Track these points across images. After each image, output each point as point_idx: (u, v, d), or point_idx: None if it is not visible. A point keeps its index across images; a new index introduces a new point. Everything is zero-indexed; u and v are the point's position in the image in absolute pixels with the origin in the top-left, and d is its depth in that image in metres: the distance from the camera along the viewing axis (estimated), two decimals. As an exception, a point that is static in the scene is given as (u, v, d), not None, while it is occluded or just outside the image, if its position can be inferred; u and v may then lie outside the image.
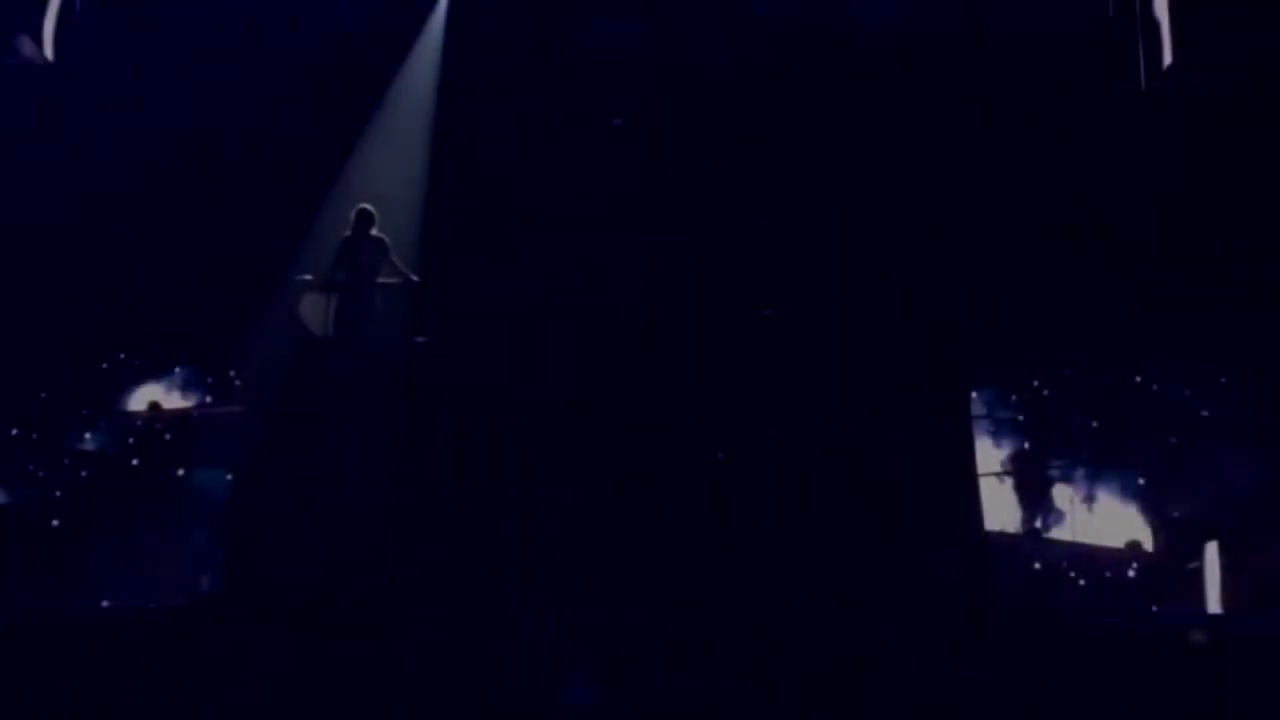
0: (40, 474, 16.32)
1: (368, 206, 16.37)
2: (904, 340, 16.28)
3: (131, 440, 16.70)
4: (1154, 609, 15.50)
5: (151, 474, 16.22)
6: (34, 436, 16.65)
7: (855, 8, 17.82)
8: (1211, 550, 15.46)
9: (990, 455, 17.10)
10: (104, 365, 17.14)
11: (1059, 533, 16.85)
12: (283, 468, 15.49)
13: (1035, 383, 17.38)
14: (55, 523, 15.63)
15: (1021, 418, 17.33)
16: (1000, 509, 16.89)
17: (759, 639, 13.61)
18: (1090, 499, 16.93)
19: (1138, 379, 17.14)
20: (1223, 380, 16.76)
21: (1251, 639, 13.48)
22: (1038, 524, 16.90)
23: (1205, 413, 16.80)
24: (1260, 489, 16.05)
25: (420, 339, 16.15)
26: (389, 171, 17.25)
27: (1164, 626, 14.35)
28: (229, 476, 15.99)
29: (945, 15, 17.81)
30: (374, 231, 16.31)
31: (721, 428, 16.10)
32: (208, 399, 17.10)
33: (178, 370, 17.26)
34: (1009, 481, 17.10)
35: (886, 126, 17.17)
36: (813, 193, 16.96)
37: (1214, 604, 15.38)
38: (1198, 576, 15.56)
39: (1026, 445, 17.27)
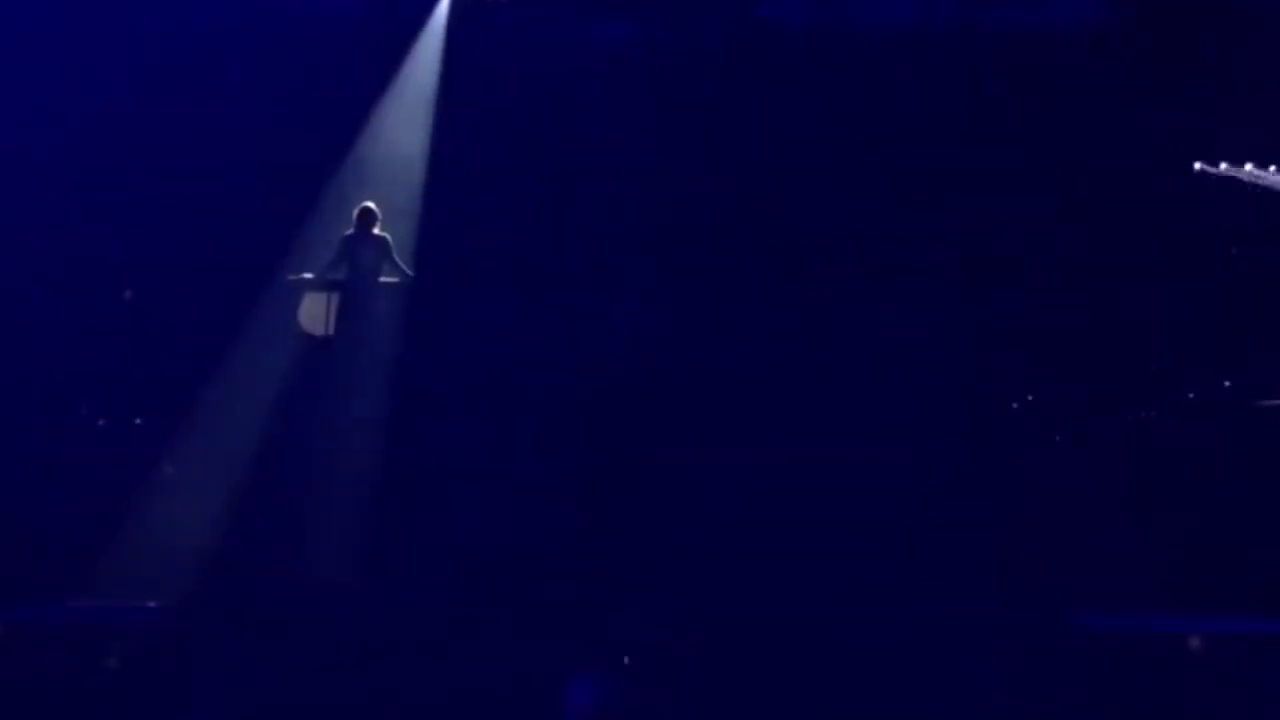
0: (36, 476, 16.32)
1: (370, 205, 16.41)
2: (901, 348, 16.34)
3: (127, 442, 16.72)
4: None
5: (146, 475, 16.23)
6: (29, 439, 16.65)
7: (855, 8, 17.88)
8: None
9: None
10: (100, 367, 17.14)
11: None
12: (282, 468, 15.54)
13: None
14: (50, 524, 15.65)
15: None
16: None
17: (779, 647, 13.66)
18: None
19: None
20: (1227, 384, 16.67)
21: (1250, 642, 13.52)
22: None
23: None
24: None
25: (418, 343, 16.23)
26: (388, 169, 17.27)
27: (1163, 630, 14.32)
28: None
29: (946, 15, 17.86)
30: (376, 230, 16.34)
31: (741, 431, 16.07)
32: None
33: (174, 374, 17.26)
34: None
35: (887, 127, 17.21)
36: (812, 194, 17.03)
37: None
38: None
39: None
